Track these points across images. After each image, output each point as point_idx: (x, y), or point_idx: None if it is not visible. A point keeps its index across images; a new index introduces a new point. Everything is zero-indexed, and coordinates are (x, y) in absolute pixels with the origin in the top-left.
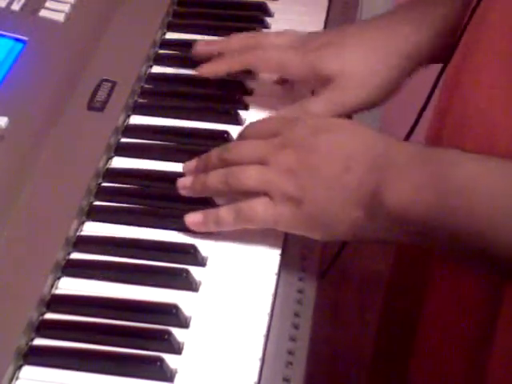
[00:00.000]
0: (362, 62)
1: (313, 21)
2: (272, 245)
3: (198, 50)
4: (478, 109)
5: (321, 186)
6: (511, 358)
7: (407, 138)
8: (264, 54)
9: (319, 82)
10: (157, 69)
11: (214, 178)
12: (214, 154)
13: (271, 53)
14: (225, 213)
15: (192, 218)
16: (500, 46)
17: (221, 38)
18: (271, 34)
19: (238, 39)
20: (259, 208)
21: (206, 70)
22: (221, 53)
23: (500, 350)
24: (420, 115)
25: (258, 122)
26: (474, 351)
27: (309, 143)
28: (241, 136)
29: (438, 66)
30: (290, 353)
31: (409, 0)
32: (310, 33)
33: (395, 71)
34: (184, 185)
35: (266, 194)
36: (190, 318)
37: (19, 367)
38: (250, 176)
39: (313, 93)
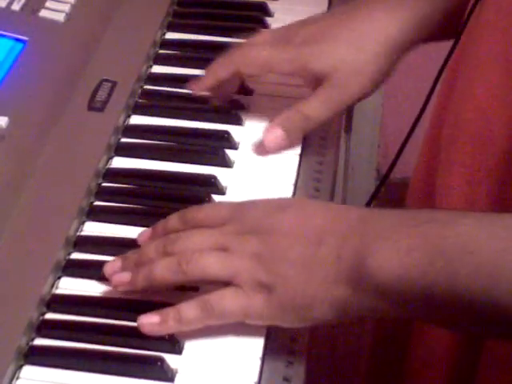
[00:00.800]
0: (351, 55)
1: None
2: None
3: (193, 90)
4: (475, 107)
5: (292, 266)
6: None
7: (407, 139)
8: (249, 54)
9: (310, 79)
10: (157, 69)
11: (163, 267)
12: (153, 246)
13: (256, 52)
14: (188, 309)
15: (146, 320)
16: (495, 45)
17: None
18: (250, 37)
19: (219, 58)
20: (229, 300)
21: (195, 87)
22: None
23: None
24: (419, 116)
25: (201, 208)
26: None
27: (267, 225)
28: (183, 222)
29: (436, 67)
30: (290, 353)
31: None
32: (289, 26)
33: (384, 58)
34: (120, 280)
35: (230, 282)
36: None
37: (20, 367)
38: (211, 262)
39: None
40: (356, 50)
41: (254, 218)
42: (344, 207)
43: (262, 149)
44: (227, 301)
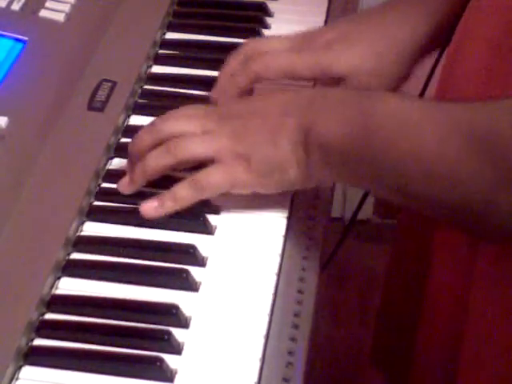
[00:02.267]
0: (370, 60)
1: (313, 21)
2: (272, 245)
3: (214, 99)
4: (470, 97)
5: (264, 136)
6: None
7: None
8: (270, 61)
9: (330, 81)
10: (157, 69)
11: (155, 156)
12: (143, 136)
13: (277, 59)
14: (180, 189)
15: (146, 206)
16: (490, 34)
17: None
18: (270, 39)
19: (235, 58)
20: (214, 174)
21: (216, 95)
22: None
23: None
24: (425, 88)
25: (180, 110)
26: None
27: (240, 110)
28: (165, 116)
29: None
30: (290, 353)
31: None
32: (308, 32)
33: (401, 64)
34: (123, 183)
35: (213, 159)
36: (190, 318)
37: (19, 367)
38: (196, 143)
39: None
40: (375, 54)
41: (228, 107)
42: (308, 90)
43: None
44: (213, 175)
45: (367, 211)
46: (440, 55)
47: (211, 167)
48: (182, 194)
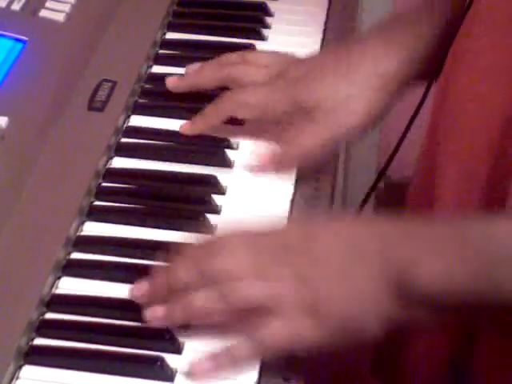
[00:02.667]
0: (342, 90)
1: (313, 20)
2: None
3: (171, 86)
4: (465, 122)
5: (336, 291)
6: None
7: (395, 151)
8: (240, 98)
9: (303, 115)
10: (157, 69)
11: (204, 300)
12: (184, 270)
13: (246, 97)
14: (240, 348)
15: (199, 367)
16: (486, 58)
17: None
18: (241, 67)
19: (210, 70)
20: (279, 332)
21: (186, 130)
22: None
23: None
24: (414, 117)
25: (230, 235)
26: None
27: (306, 248)
28: (209, 247)
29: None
30: (290, 353)
31: (384, 21)
32: (288, 62)
33: (380, 93)
34: (155, 315)
35: (272, 312)
36: None
37: (19, 367)
38: (255, 290)
39: None
40: (347, 85)
41: (286, 246)
42: (377, 222)
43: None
44: (278, 334)
45: (367, 211)
46: (427, 89)
47: (275, 323)
48: (243, 355)
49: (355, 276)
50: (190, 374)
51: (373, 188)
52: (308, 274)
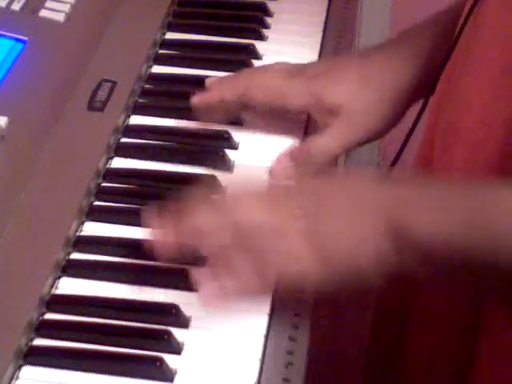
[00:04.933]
0: (364, 95)
1: (313, 20)
2: None
3: (195, 102)
4: (466, 129)
5: (341, 233)
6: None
7: (397, 157)
8: (261, 79)
9: (321, 113)
10: (157, 69)
11: (211, 221)
12: (214, 231)
13: (268, 79)
14: (245, 280)
15: (208, 295)
16: (489, 65)
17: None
18: (265, 67)
19: (228, 78)
20: (282, 261)
21: (197, 100)
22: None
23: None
24: (408, 136)
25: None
26: (461, 347)
27: (312, 194)
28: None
29: None
30: (290, 353)
31: (399, 34)
32: (300, 64)
33: (393, 104)
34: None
35: (277, 247)
36: (190, 317)
37: (19, 367)
38: (263, 219)
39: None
40: (369, 90)
41: (297, 192)
42: (381, 178)
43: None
44: (282, 265)
45: None
46: (447, 57)
47: (280, 256)
48: (247, 286)
49: (358, 219)
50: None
51: None
52: (316, 214)
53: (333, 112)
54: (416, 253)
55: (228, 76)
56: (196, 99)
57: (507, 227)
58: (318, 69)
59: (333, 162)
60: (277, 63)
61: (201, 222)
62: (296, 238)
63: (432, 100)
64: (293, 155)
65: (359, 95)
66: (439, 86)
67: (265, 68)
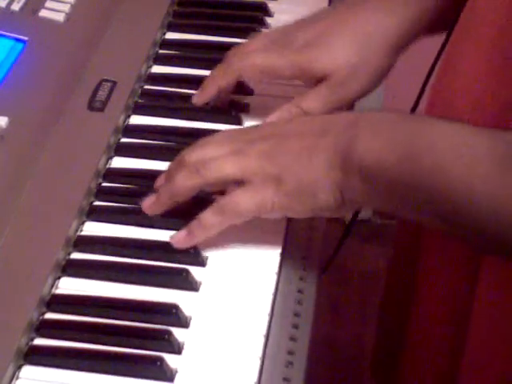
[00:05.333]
0: (350, 54)
1: None
2: (272, 244)
3: (196, 102)
4: (462, 111)
5: (297, 156)
6: (491, 318)
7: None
8: (247, 61)
9: (311, 80)
10: (157, 69)
11: (182, 176)
12: (171, 167)
13: (254, 59)
14: (207, 215)
15: (177, 237)
16: (487, 34)
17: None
18: (251, 40)
19: (220, 64)
20: (241, 197)
21: (197, 99)
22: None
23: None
24: (419, 97)
25: (207, 138)
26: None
27: (277, 131)
28: (194, 145)
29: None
30: (290, 353)
31: None
32: (287, 27)
33: (384, 56)
34: (148, 203)
35: (242, 181)
36: (190, 317)
37: (19, 367)
38: (224, 163)
39: None
40: (357, 49)
41: (261, 130)
42: (341, 111)
43: None
44: (240, 198)
45: (367, 211)
46: (426, 82)
47: (239, 189)
48: (210, 221)
49: (312, 150)
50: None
51: None
52: (273, 151)
53: (320, 78)
54: (361, 176)
55: (218, 66)
56: (196, 99)
57: (429, 161)
58: (304, 37)
59: None
60: (261, 35)
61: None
62: (254, 177)
63: (431, 81)
64: (281, 116)
65: (344, 59)
66: (437, 70)
67: (250, 46)
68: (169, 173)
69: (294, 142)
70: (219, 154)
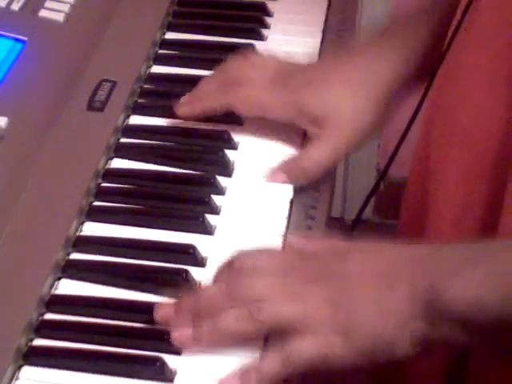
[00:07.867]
0: (347, 101)
1: (312, 20)
2: (272, 243)
3: (181, 112)
4: (462, 127)
5: (367, 311)
6: None
7: (393, 156)
8: (242, 93)
9: (308, 125)
10: (157, 69)
11: (232, 318)
12: (211, 294)
13: (250, 92)
14: (268, 363)
15: (229, 380)
16: (484, 63)
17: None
18: (247, 68)
19: (212, 80)
20: (308, 348)
21: (182, 112)
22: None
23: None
24: (414, 117)
25: (260, 254)
26: None
27: (333, 272)
28: (237, 270)
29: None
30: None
31: (380, 33)
32: (289, 65)
33: (379, 103)
34: (182, 336)
35: (302, 329)
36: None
37: (19, 367)
38: (285, 309)
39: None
40: (351, 96)
41: (315, 267)
42: (402, 247)
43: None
44: (307, 349)
45: (367, 211)
46: (427, 89)
47: (306, 340)
48: (270, 370)
49: (385, 299)
50: None
51: (374, 188)
52: (339, 298)
53: (319, 123)
54: (455, 324)
55: (210, 83)
56: (180, 111)
57: None
58: (302, 78)
59: (329, 172)
60: (261, 63)
61: (211, 301)
62: (320, 326)
63: (429, 97)
64: (286, 170)
65: (344, 104)
66: (436, 83)
67: (247, 74)
68: (210, 302)
69: (361, 292)
70: (273, 293)
